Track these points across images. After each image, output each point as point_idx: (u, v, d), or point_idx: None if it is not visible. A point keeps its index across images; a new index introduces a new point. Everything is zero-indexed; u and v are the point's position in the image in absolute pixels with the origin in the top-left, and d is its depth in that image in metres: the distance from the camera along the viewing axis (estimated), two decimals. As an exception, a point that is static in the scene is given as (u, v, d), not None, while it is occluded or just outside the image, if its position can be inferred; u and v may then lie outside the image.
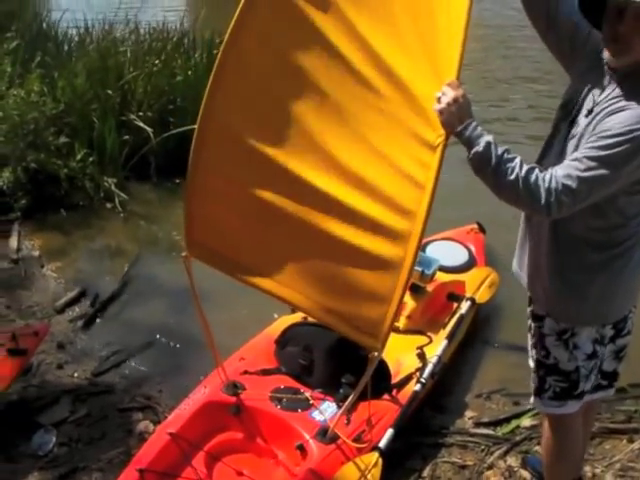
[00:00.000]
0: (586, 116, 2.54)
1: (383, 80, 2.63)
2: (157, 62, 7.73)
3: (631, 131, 2.33)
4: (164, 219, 6.36)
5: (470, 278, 4.82)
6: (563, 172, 2.40)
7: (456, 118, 2.45)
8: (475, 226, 5.42)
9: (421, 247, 4.83)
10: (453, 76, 2.48)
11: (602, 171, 2.36)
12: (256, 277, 2.94)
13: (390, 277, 2.65)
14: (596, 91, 2.57)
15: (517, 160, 2.42)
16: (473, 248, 5.16)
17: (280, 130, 2.78)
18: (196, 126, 2.89)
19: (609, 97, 2.49)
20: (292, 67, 2.74)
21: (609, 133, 2.37)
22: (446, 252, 4.97)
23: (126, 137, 6.88)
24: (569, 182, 2.37)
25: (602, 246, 2.64)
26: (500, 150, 2.42)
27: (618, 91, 2.47)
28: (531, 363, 2.99)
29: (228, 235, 3.00)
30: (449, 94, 2.44)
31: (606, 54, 2.53)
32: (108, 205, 6.51)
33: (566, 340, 2.79)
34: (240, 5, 2.77)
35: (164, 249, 5.95)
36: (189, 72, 7.60)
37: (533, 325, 2.93)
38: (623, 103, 2.41)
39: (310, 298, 2.87)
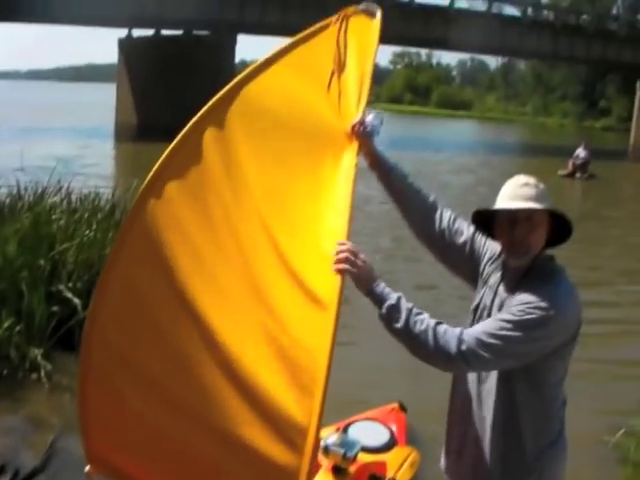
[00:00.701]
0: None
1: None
2: (88, 233, 7.90)
3: (536, 306, 2.62)
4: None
5: (391, 458, 4.92)
6: (476, 329, 2.67)
7: (369, 275, 2.68)
8: (396, 405, 5.57)
9: (343, 428, 4.97)
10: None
11: (513, 332, 2.61)
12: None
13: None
14: (501, 290, 2.85)
15: (426, 314, 2.66)
16: (394, 428, 5.29)
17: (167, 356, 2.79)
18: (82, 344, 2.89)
19: (515, 293, 2.75)
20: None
21: (518, 303, 2.65)
22: (368, 432, 5.06)
23: (55, 308, 6.93)
24: (482, 336, 2.62)
25: (536, 435, 2.82)
26: (410, 304, 2.66)
27: (522, 286, 2.74)
28: None
29: (129, 450, 2.91)
30: (359, 254, 2.65)
31: (506, 257, 2.84)
32: (33, 376, 6.47)
33: None
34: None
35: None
36: (120, 244, 7.76)
37: None
38: (526, 291, 2.69)
39: None
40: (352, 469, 4.56)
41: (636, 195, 25.62)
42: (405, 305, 2.66)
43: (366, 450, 4.85)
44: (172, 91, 37.52)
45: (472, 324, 2.92)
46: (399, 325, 2.63)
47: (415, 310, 2.66)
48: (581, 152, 27.37)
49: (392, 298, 2.66)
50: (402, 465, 4.88)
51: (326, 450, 4.35)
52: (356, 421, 5.23)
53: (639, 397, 6.45)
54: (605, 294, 10.89)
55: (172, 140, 2.91)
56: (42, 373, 6.44)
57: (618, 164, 34.59)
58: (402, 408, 5.56)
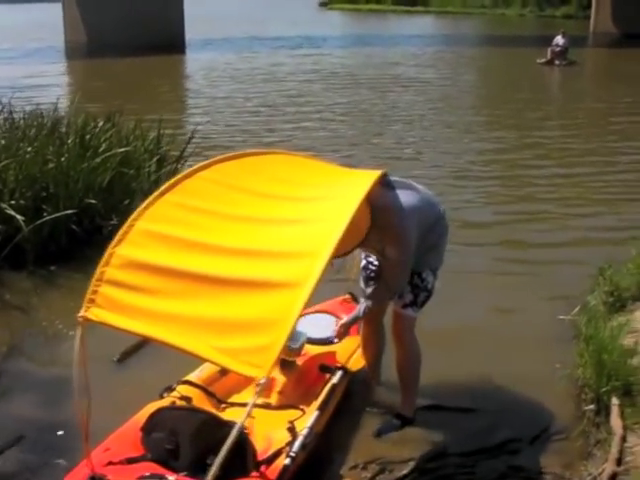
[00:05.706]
0: None
1: None
2: (29, 149, 7.69)
3: None
4: (40, 308, 6.30)
5: (341, 348, 4.88)
6: None
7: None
8: (348, 296, 5.49)
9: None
10: None
11: None
12: (150, 328, 3.21)
13: (283, 300, 3.11)
14: None
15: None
16: (345, 318, 5.22)
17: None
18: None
19: None
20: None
21: None
22: (318, 324, 5.02)
23: (-1, 226, 6.77)
24: None
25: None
26: None
27: None
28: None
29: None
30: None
31: None
32: (-18, 295, 6.38)
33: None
34: None
35: (40, 339, 5.85)
36: (62, 159, 7.61)
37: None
38: None
39: (201, 341, 3.10)
40: (300, 361, 4.54)
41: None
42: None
43: (315, 342, 4.82)
44: (122, 6, 36.28)
45: None
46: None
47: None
48: (560, 40, 27.75)
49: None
50: (352, 355, 4.85)
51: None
52: (305, 314, 5.10)
53: (594, 274, 6.49)
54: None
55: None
56: (-10, 292, 6.34)
57: (582, 50, 34.50)
58: (354, 299, 5.41)
